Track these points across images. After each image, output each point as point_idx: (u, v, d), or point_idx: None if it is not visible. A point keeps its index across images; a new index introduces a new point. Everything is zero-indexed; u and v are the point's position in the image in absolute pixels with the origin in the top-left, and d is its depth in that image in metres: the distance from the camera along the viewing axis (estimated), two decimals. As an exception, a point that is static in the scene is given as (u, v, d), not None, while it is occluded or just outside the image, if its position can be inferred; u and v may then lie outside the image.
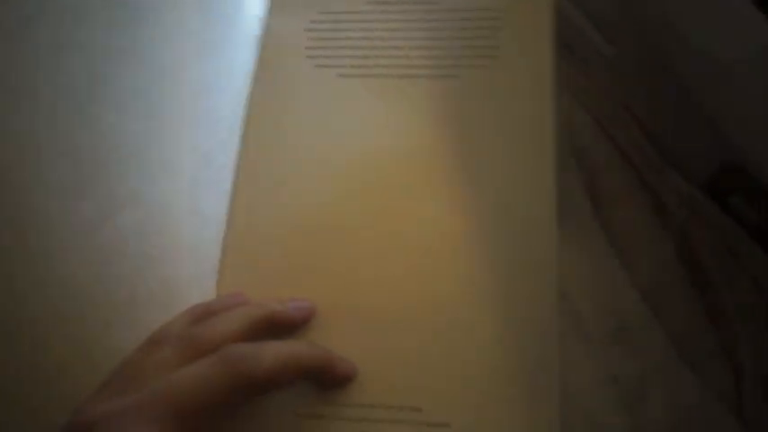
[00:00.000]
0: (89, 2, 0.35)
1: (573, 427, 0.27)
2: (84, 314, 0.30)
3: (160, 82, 0.33)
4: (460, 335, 0.26)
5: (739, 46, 0.28)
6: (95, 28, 0.35)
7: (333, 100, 0.30)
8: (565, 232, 0.31)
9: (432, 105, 0.29)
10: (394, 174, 0.28)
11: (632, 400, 0.28)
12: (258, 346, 0.24)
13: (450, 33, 0.31)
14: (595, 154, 0.34)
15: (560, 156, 0.32)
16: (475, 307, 0.26)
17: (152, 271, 0.31)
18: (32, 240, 0.31)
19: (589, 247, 0.32)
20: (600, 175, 0.34)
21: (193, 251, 0.31)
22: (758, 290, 0.30)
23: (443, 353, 0.26)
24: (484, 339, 0.26)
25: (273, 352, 0.24)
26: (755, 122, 0.29)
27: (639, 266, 0.31)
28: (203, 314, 0.26)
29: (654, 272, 0.31)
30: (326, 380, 0.26)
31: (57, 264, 0.31)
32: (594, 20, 0.35)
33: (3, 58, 0.34)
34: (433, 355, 0.26)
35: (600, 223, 0.33)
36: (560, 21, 0.36)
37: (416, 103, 0.30)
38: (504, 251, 0.27)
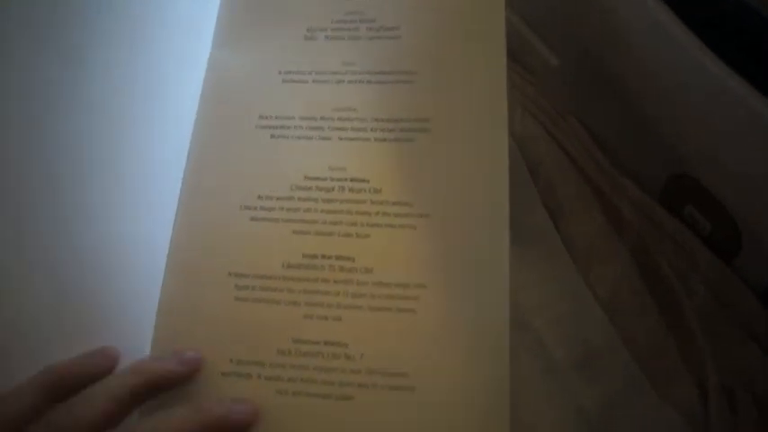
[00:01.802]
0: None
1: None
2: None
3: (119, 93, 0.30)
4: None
5: (675, 61, 0.28)
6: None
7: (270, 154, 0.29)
8: (526, 249, 0.31)
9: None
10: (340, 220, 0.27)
11: (599, 430, 0.28)
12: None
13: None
14: (550, 166, 0.34)
15: (514, 170, 0.30)
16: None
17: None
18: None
19: (551, 263, 0.32)
20: (555, 188, 0.33)
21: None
22: (717, 300, 0.30)
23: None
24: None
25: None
26: (699, 137, 0.29)
27: (601, 282, 0.31)
28: (60, 384, 0.23)
29: (615, 287, 0.31)
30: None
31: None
32: (539, 30, 0.35)
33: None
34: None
35: (561, 237, 0.32)
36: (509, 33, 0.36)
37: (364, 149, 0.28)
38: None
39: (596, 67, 0.33)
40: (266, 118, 0.30)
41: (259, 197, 0.28)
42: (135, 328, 0.26)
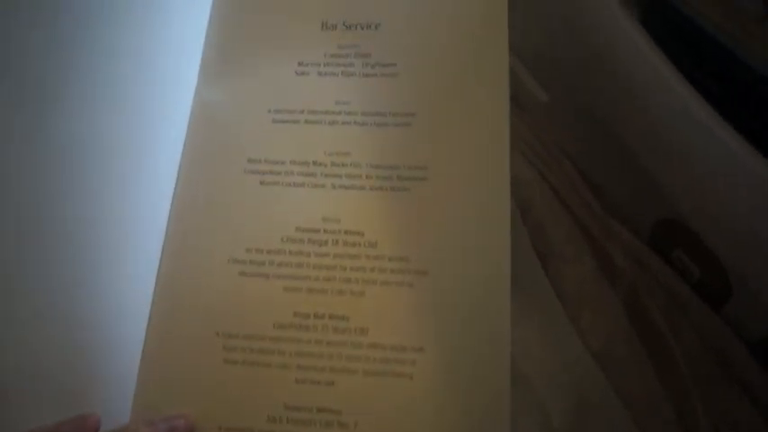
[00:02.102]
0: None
1: None
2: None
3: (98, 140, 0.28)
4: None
5: (666, 106, 0.28)
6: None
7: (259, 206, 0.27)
8: (516, 296, 0.29)
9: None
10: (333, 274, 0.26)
11: None
12: None
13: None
14: (540, 208, 0.33)
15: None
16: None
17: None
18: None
19: (542, 311, 0.31)
20: (546, 231, 0.32)
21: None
22: (707, 348, 0.30)
23: None
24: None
25: None
26: (690, 183, 0.29)
27: (593, 331, 0.30)
28: None
29: (608, 337, 0.30)
30: None
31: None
32: (528, 65, 0.34)
33: None
34: None
35: (550, 281, 0.31)
36: None
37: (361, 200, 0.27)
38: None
39: (586, 107, 0.32)
40: (256, 162, 0.28)
41: (248, 250, 0.27)
42: (116, 393, 0.25)
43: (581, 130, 0.34)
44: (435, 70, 0.29)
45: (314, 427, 0.24)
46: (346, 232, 0.27)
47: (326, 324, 0.26)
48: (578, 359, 0.30)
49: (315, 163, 0.28)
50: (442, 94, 0.28)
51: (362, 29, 0.29)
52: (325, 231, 0.27)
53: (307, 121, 0.28)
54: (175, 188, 0.28)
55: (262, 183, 0.28)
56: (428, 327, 0.25)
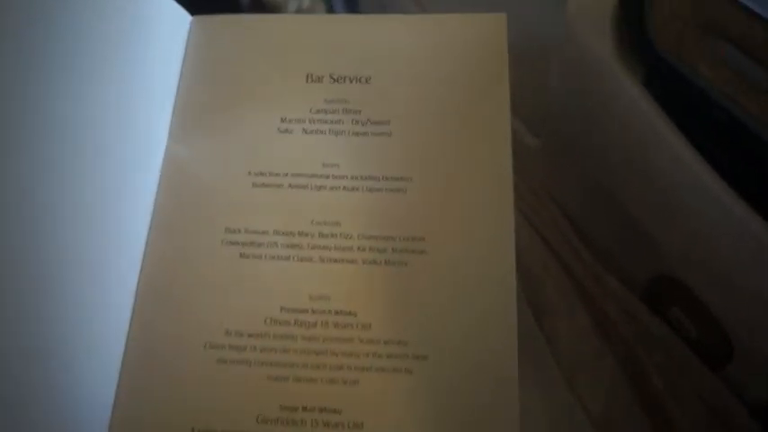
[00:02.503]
0: None
1: None
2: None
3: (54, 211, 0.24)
4: None
5: (663, 162, 0.27)
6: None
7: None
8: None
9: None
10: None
11: None
12: None
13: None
14: (531, 260, 0.31)
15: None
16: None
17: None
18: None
19: (537, 373, 0.29)
20: (537, 284, 0.31)
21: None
22: (709, 412, 0.28)
23: None
24: None
25: None
26: (685, 240, 0.28)
27: (590, 394, 0.29)
28: None
29: (606, 402, 0.29)
30: None
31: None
32: (517, 109, 0.33)
33: None
34: None
35: (545, 335, 0.30)
36: None
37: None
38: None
39: (579, 156, 0.31)
40: (234, 232, 0.25)
41: (227, 333, 0.24)
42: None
43: (572, 178, 0.33)
44: (432, 129, 0.26)
45: None
46: (337, 312, 0.24)
47: (317, 418, 0.23)
48: (576, 425, 0.29)
49: (300, 233, 0.25)
50: (440, 155, 0.26)
51: (351, 82, 0.27)
52: (313, 312, 0.24)
53: (291, 186, 0.26)
54: (143, 262, 0.25)
55: (242, 255, 0.25)
56: (430, 418, 0.23)
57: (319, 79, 0.27)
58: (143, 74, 0.26)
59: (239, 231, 0.25)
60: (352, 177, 0.26)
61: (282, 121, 0.27)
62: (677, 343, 0.30)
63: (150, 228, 0.25)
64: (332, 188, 0.26)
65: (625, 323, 0.30)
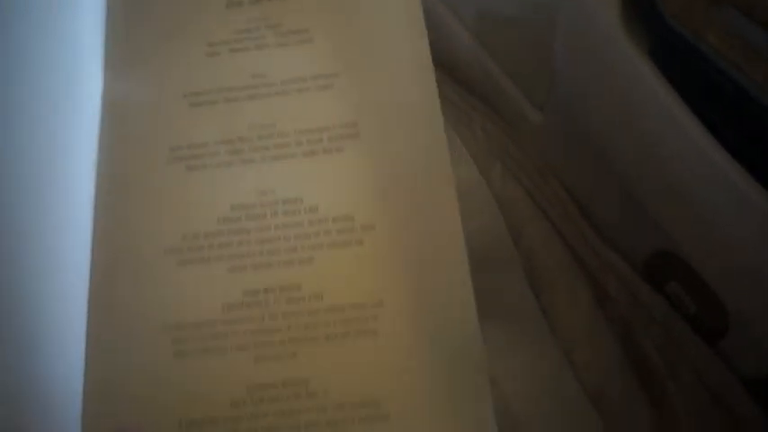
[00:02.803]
0: None
1: None
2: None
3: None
4: None
5: (667, 135, 0.27)
6: None
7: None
8: (509, 327, 0.29)
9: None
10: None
11: None
12: None
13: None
14: (532, 235, 0.31)
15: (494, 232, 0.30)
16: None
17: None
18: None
19: (535, 346, 0.29)
20: (537, 259, 0.31)
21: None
22: (704, 388, 0.29)
23: None
24: None
25: None
26: (687, 214, 0.28)
27: (588, 370, 0.29)
28: None
29: (603, 378, 0.29)
30: None
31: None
32: (520, 83, 0.33)
33: None
34: None
35: (542, 311, 0.30)
36: (484, 80, 0.34)
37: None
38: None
39: (583, 131, 0.31)
40: (178, 149, 0.27)
41: (184, 237, 0.25)
42: (59, 413, 0.23)
43: (575, 154, 0.33)
44: (350, 28, 0.28)
45: (281, 402, 0.23)
46: (284, 201, 0.26)
47: (278, 297, 0.24)
48: (574, 403, 0.29)
49: (240, 139, 0.27)
50: (361, 50, 0.28)
51: (269, 0, 0.29)
52: (261, 205, 0.26)
53: (226, 100, 0.27)
54: (96, 188, 0.26)
55: (188, 168, 0.26)
56: (384, 280, 0.24)
57: (239, 3, 0.29)
58: (69, 18, 0.27)
59: (183, 148, 0.27)
60: (281, 83, 0.27)
61: (209, 45, 0.28)
62: (675, 319, 0.30)
63: (98, 158, 0.26)
64: (264, 95, 0.27)
65: (624, 298, 0.31)
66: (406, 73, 0.27)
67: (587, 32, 0.29)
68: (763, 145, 0.25)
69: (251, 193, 0.26)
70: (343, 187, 0.26)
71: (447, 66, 0.35)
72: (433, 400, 0.23)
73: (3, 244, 0.25)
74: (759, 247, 0.25)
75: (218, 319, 0.24)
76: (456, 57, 0.35)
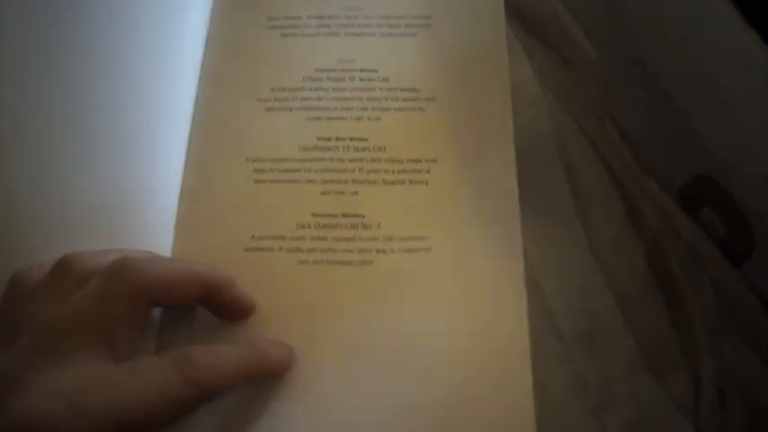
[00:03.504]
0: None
1: (540, 426, 0.26)
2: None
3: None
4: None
5: (726, 59, 0.28)
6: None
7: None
8: (546, 221, 0.31)
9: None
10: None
11: (599, 405, 0.28)
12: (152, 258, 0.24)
13: None
14: (575, 156, 0.34)
15: (541, 143, 0.32)
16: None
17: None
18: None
19: (569, 242, 0.32)
20: (578, 174, 0.33)
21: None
22: (722, 303, 0.31)
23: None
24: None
25: (167, 262, 0.24)
26: (735, 136, 0.29)
27: (614, 271, 0.31)
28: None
29: (627, 278, 0.31)
30: (220, 304, 0.25)
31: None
32: (581, 21, 0.35)
33: None
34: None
35: (580, 223, 0.32)
36: (547, 18, 0.36)
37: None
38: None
39: (637, 62, 0.33)
40: (275, 19, 0.31)
41: (272, 90, 0.29)
42: (157, 218, 0.27)
43: (628, 88, 0.35)
44: None
45: (340, 229, 0.27)
46: (362, 70, 0.29)
47: (348, 145, 0.28)
48: (597, 291, 0.31)
49: (330, 17, 0.31)
50: None
51: None
52: (342, 70, 0.30)
53: None
54: (205, 45, 0.30)
55: (282, 35, 0.30)
56: (439, 142, 0.28)
57: None
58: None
59: (280, 18, 0.31)
60: None
61: None
62: (703, 240, 0.32)
63: (210, 23, 0.31)
64: None
65: (656, 218, 0.32)
66: None
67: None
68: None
69: (333, 60, 0.30)
70: (413, 65, 0.29)
71: (514, 4, 0.38)
72: (468, 241, 0.26)
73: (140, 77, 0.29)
74: None
75: (295, 157, 0.28)
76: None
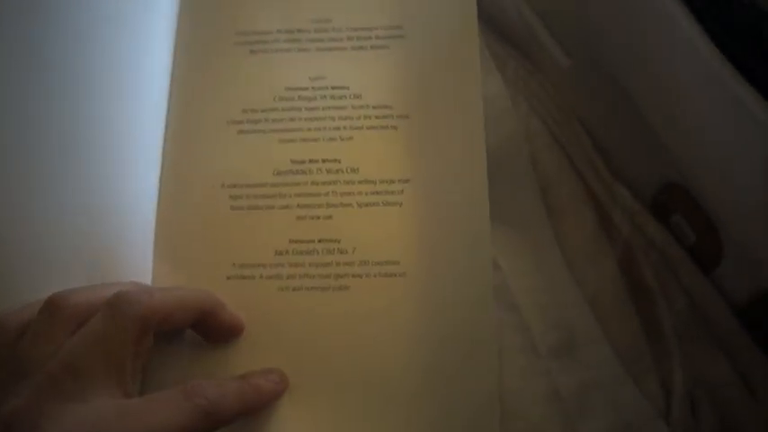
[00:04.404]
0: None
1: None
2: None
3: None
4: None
5: (690, 69, 0.28)
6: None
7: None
8: (519, 233, 0.32)
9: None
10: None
11: (573, 416, 0.29)
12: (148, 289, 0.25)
13: None
14: (547, 163, 0.34)
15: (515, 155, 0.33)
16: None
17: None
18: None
19: (541, 253, 0.32)
20: (550, 186, 0.34)
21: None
22: (693, 310, 0.31)
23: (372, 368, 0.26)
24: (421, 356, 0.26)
25: (164, 291, 0.25)
26: (700, 145, 0.30)
27: (587, 280, 0.32)
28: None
29: (599, 289, 0.32)
30: (213, 326, 0.26)
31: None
32: (554, 31, 0.35)
33: None
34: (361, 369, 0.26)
35: (554, 234, 0.33)
36: (521, 28, 0.36)
37: None
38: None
39: (608, 72, 0.33)
40: (244, 34, 0.30)
41: (244, 111, 0.29)
42: (134, 249, 0.28)
43: (599, 96, 0.35)
44: None
45: (317, 255, 0.27)
46: (333, 87, 0.29)
47: (321, 167, 0.28)
48: (571, 301, 0.31)
49: (299, 30, 0.30)
50: None
51: None
52: (313, 89, 0.29)
53: None
54: (172, 66, 0.30)
55: (251, 51, 0.30)
56: (412, 161, 0.28)
57: None
58: None
59: (248, 33, 0.30)
60: None
61: None
62: (674, 247, 0.32)
63: (176, 40, 0.30)
64: None
65: (628, 227, 0.33)
66: None
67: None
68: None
69: (304, 78, 0.29)
70: (386, 80, 0.29)
71: (487, 14, 0.37)
72: (440, 265, 0.27)
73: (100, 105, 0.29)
74: (766, 176, 0.27)
75: (270, 182, 0.28)
76: (497, 5, 0.37)
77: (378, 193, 0.28)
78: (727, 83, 0.27)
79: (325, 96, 0.29)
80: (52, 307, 0.23)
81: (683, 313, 0.31)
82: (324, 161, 0.28)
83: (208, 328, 0.26)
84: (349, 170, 0.28)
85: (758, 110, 0.26)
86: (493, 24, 0.37)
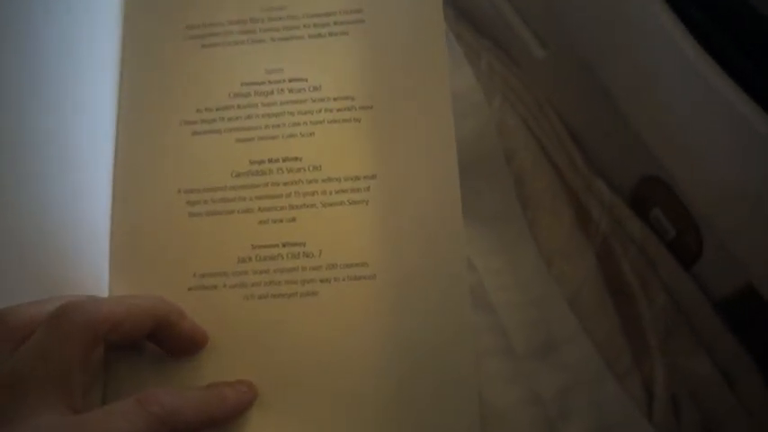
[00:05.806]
0: None
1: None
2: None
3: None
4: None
5: (667, 59, 0.27)
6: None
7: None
8: (495, 230, 0.31)
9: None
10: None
11: (554, 418, 0.28)
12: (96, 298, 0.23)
13: None
14: (523, 158, 0.33)
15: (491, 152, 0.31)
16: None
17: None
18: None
19: (518, 250, 0.31)
20: (526, 180, 0.33)
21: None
22: (673, 306, 0.30)
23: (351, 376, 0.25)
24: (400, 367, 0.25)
25: (114, 299, 0.23)
26: (678, 138, 0.29)
27: (564, 279, 0.31)
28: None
29: (578, 287, 0.31)
30: (173, 337, 0.24)
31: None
32: (528, 21, 0.34)
33: None
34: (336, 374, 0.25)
35: (530, 230, 0.32)
36: (495, 19, 0.35)
37: None
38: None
39: (583, 64, 0.32)
40: (194, 27, 0.28)
41: (198, 110, 0.28)
42: (88, 262, 0.26)
43: (575, 88, 0.34)
44: None
45: (281, 260, 0.26)
46: (290, 80, 0.27)
47: (281, 167, 0.27)
48: (550, 299, 0.30)
49: (252, 20, 0.28)
50: None
51: None
52: (269, 82, 0.28)
53: None
54: (121, 64, 0.28)
55: (203, 46, 0.28)
56: (378, 155, 0.26)
57: None
58: None
59: (198, 26, 0.28)
60: None
61: None
62: (653, 242, 0.31)
63: (122, 37, 0.29)
64: None
65: (606, 221, 0.32)
66: None
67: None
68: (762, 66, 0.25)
69: (260, 72, 0.28)
70: (346, 69, 0.27)
71: (460, 6, 0.37)
72: (411, 266, 0.25)
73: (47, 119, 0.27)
74: (744, 168, 0.26)
75: (228, 185, 0.27)
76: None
77: (343, 191, 0.26)
78: (705, 74, 0.26)
79: (282, 90, 0.27)
80: None
81: (663, 310, 0.30)
82: (284, 160, 0.27)
83: (167, 340, 0.24)
84: (311, 168, 0.26)
85: (737, 101, 0.25)
86: (466, 16, 0.36)
